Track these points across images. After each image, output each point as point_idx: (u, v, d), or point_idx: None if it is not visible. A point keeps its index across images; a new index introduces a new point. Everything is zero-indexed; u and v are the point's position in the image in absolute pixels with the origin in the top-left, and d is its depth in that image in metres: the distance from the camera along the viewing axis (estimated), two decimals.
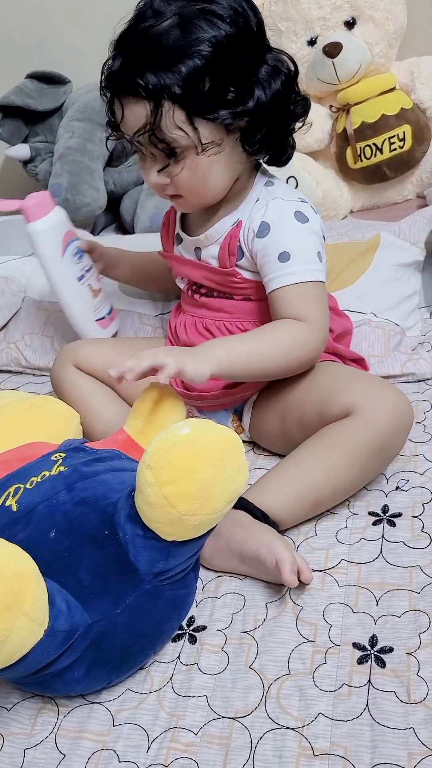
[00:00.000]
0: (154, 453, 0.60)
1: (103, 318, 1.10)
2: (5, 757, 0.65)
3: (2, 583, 0.53)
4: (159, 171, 0.83)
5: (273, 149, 0.87)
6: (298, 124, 0.86)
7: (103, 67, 0.81)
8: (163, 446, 0.60)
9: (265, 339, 0.84)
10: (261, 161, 0.91)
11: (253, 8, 0.80)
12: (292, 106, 0.84)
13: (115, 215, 1.62)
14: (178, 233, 0.97)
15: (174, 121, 0.77)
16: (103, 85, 0.81)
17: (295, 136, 0.89)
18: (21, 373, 1.23)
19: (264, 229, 0.85)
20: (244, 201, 0.89)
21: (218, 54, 0.75)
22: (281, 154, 0.89)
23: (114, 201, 1.57)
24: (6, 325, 1.25)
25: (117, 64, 0.79)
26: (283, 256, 0.84)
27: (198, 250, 0.94)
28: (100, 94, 0.82)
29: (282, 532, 0.80)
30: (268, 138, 0.83)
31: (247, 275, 0.90)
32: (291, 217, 0.85)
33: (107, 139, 0.90)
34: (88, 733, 0.66)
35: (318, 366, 0.90)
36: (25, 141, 1.62)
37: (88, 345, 1.03)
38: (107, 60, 0.80)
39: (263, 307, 0.90)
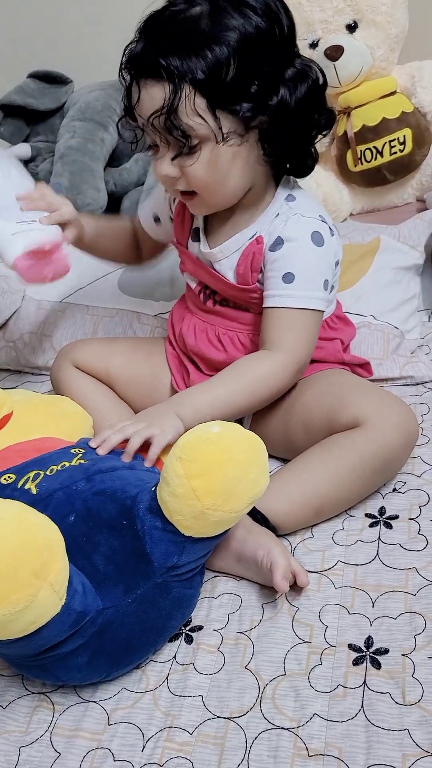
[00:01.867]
0: (185, 446, 0.62)
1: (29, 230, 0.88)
2: (0, 755, 0.65)
3: (33, 550, 0.55)
4: (172, 159, 0.80)
5: (293, 157, 0.85)
6: (320, 136, 0.84)
7: (125, 50, 0.78)
8: (193, 441, 0.62)
9: (232, 385, 0.84)
10: (281, 172, 0.88)
11: (286, 10, 0.79)
12: (317, 115, 0.82)
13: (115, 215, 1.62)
14: (197, 228, 0.93)
15: (194, 107, 0.75)
16: (123, 67, 0.79)
17: None
18: (19, 372, 1.23)
19: (278, 244, 0.84)
20: (263, 214, 0.87)
21: (246, 45, 0.74)
22: (301, 164, 0.87)
23: (114, 201, 1.57)
24: (5, 324, 1.25)
25: (139, 47, 0.76)
26: (288, 278, 0.84)
27: (210, 263, 0.92)
28: (119, 77, 0.80)
29: (280, 535, 0.80)
30: (288, 143, 0.81)
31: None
32: (307, 238, 0.83)
33: (118, 121, 0.87)
34: (83, 731, 0.66)
35: (327, 374, 0.91)
36: (26, 140, 1.62)
37: (87, 345, 1.03)
38: (130, 43, 0.78)
39: None
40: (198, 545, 0.66)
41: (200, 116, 0.75)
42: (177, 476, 0.62)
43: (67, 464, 0.72)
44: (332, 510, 0.82)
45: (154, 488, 0.66)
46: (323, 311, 0.87)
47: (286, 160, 0.86)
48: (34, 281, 0.87)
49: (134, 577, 0.65)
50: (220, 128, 0.76)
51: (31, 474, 0.71)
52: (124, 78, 0.79)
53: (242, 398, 0.84)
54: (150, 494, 0.66)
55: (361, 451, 0.79)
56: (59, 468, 0.72)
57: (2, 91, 1.56)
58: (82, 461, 0.73)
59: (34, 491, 0.70)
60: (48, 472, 0.71)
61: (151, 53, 0.75)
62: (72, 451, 0.76)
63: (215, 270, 0.91)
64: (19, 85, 1.57)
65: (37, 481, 0.71)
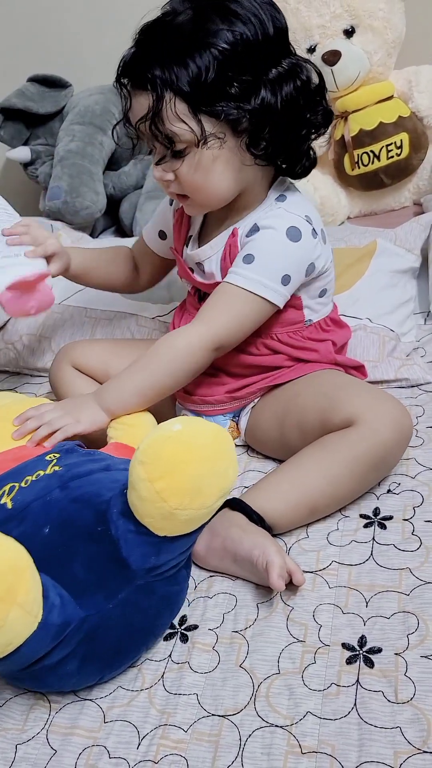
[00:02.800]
0: (146, 449, 0.61)
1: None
2: None
3: None
4: (157, 163, 0.83)
5: (284, 156, 0.85)
6: (314, 135, 0.85)
7: (121, 58, 0.82)
8: (154, 442, 0.61)
9: (151, 367, 0.86)
10: (281, 175, 0.89)
11: (274, 12, 0.80)
12: (310, 114, 0.82)
13: (114, 218, 1.63)
14: (191, 236, 0.96)
15: (176, 113, 0.77)
16: (118, 75, 0.82)
17: None
18: (18, 373, 1.24)
19: (253, 231, 0.86)
20: (251, 213, 0.88)
21: (226, 48, 0.76)
22: (295, 165, 0.87)
23: (113, 204, 1.59)
24: (4, 326, 1.26)
25: (129, 56, 0.80)
26: (248, 258, 0.84)
27: (200, 264, 0.93)
28: (114, 83, 0.83)
29: (275, 535, 0.81)
30: (276, 142, 0.82)
31: None
32: (282, 230, 0.84)
33: (114, 127, 0.90)
34: (79, 729, 0.67)
35: (321, 374, 0.91)
36: (25, 144, 1.64)
37: (86, 346, 1.04)
38: (126, 51, 0.81)
39: (270, 319, 0.90)
40: (175, 543, 0.65)
41: (183, 122, 0.78)
42: (140, 480, 0.61)
43: (42, 473, 0.72)
44: (327, 508, 0.82)
45: (125, 491, 0.65)
46: (273, 304, 0.86)
47: (279, 160, 0.86)
48: (18, 314, 0.91)
49: (115, 582, 0.65)
50: (202, 131, 0.78)
51: (7, 488, 0.71)
52: (117, 86, 0.82)
53: (164, 379, 0.86)
54: (122, 497, 0.66)
55: (355, 449, 0.80)
56: (34, 478, 0.72)
57: (2, 94, 1.57)
58: (57, 468, 0.73)
59: (9, 506, 0.69)
60: (23, 484, 0.71)
61: (136, 63, 0.78)
62: (47, 458, 0.75)
63: (205, 272, 0.92)
64: (19, 89, 1.58)
65: (12, 494, 0.70)
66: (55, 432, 0.80)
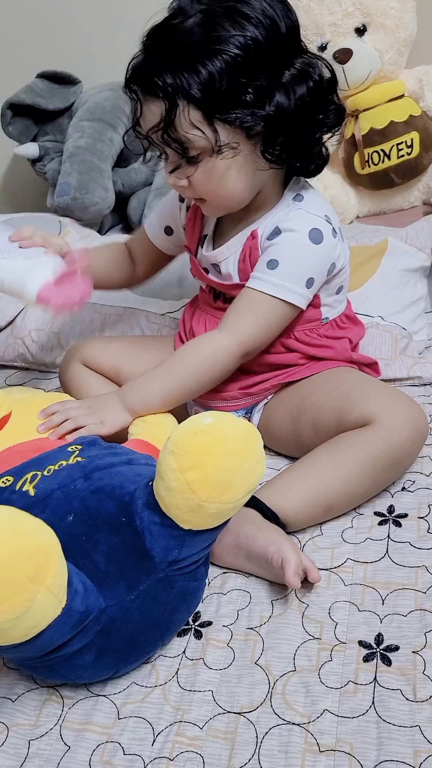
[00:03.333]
0: (178, 440, 0.61)
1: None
2: (10, 748, 0.65)
3: (27, 555, 0.54)
4: (171, 171, 0.82)
5: (298, 158, 0.84)
6: (327, 135, 0.83)
7: (129, 63, 0.80)
8: (186, 434, 0.61)
9: (177, 370, 0.86)
10: (291, 173, 0.88)
11: (286, 11, 0.78)
12: (323, 114, 0.81)
13: (122, 215, 1.63)
14: (207, 235, 0.94)
15: (189, 121, 0.76)
16: (127, 80, 0.80)
17: None
18: (27, 369, 1.24)
19: (275, 233, 0.85)
20: (268, 213, 0.87)
21: (238, 54, 0.74)
22: (309, 164, 0.86)
23: (122, 201, 1.58)
24: (13, 320, 1.25)
25: (138, 61, 0.78)
26: (272, 264, 0.84)
27: (216, 265, 0.92)
28: (123, 89, 0.81)
29: (289, 533, 0.80)
30: (291, 145, 0.80)
31: None
32: (305, 232, 0.83)
33: (124, 134, 0.88)
34: (93, 725, 0.66)
35: (336, 371, 0.91)
36: (34, 140, 1.63)
37: (96, 343, 1.03)
38: (133, 57, 0.79)
39: None
40: (198, 538, 0.65)
41: (197, 128, 0.76)
42: (170, 470, 0.61)
43: (65, 463, 0.72)
44: (342, 507, 0.82)
45: (150, 483, 0.66)
46: (297, 307, 0.86)
47: (292, 161, 0.85)
48: (63, 308, 0.86)
49: (136, 574, 0.65)
50: (217, 139, 0.77)
51: (29, 475, 0.71)
52: (126, 91, 0.80)
53: (189, 384, 0.86)
54: (147, 489, 0.66)
55: (371, 449, 0.79)
56: (57, 467, 0.72)
57: (11, 90, 1.56)
58: (80, 459, 0.73)
59: (32, 493, 0.69)
60: (46, 473, 0.71)
61: (147, 70, 0.76)
62: (69, 449, 0.75)
63: (221, 272, 0.91)
64: (28, 85, 1.57)
65: (35, 482, 0.70)
66: (79, 428, 0.80)
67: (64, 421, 0.81)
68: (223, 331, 0.86)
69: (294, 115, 0.78)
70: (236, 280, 0.90)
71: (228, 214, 0.89)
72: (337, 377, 0.89)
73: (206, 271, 0.94)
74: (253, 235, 0.87)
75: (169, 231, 1.01)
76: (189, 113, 0.76)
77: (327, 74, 0.81)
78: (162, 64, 0.75)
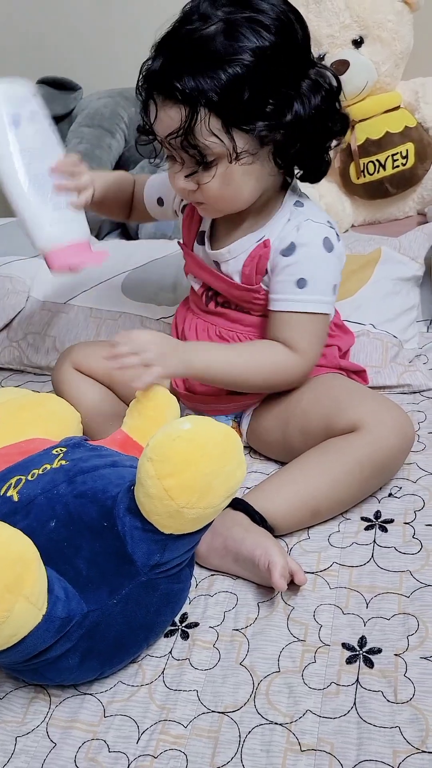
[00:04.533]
0: (156, 446, 0.61)
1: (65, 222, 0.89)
2: None
3: (4, 565, 0.55)
4: (186, 177, 0.82)
5: (307, 165, 0.86)
6: (334, 142, 0.85)
7: (141, 67, 0.80)
8: (164, 440, 0.61)
9: (248, 357, 0.87)
10: (291, 179, 0.90)
11: (300, 21, 0.79)
12: (331, 122, 0.82)
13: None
14: (203, 232, 0.95)
15: (209, 128, 0.76)
16: (140, 84, 0.80)
17: None
18: (22, 371, 1.25)
19: (291, 249, 0.85)
20: (272, 219, 0.88)
21: (260, 64, 0.74)
22: (315, 170, 0.88)
23: None
24: (9, 324, 1.27)
25: (157, 65, 0.77)
26: (301, 283, 0.85)
27: (217, 263, 0.93)
28: (136, 93, 0.81)
29: (276, 536, 0.81)
30: (302, 153, 0.82)
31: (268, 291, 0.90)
32: (319, 244, 0.85)
33: (136, 142, 0.88)
34: (79, 723, 0.67)
35: (325, 378, 0.92)
36: None
37: (89, 347, 1.04)
38: (146, 60, 0.79)
39: None
40: (180, 542, 0.65)
41: (216, 136, 0.76)
42: (149, 477, 0.61)
43: (49, 467, 0.72)
44: (329, 512, 0.83)
45: (133, 487, 0.66)
46: (331, 314, 0.89)
47: (302, 167, 0.87)
48: (62, 270, 0.88)
49: (118, 578, 0.65)
50: (235, 148, 0.77)
51: (13, 480, 0.71)
52: (140, 94, 0.81)
53: (254, 379, 0.88)
54: (129, 494, 0.66)
55: (358, 455, 0.81)
56: (41, 472, 0.72)
57: None
58: (63, 462, 0.73)
59: (15, 498, 0.69)
60: (29, 477, 0.71)
61: (167, 74, 0.76)
62: (53, 452, 0.75)
63: (221, 271, 0.92)
64: None
65: (19, 487, 0.70)
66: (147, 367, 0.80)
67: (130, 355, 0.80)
68: (296, 356, 0.87)
69: (309, 124, 0.79)
70: (237, 280, 0.91)
71: (227, 214, 0.90)
72: (326, 384, 0.90)
73: (199, 265, 0.95)
74: (265, 244, 0.88)
75: (160, 202, 1.03)
76: (209, 121, 0.76)
77: (335, 83, 0.82)
78: (183, 69, 0.75)
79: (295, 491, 0.81)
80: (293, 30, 0.78)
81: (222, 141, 0.77)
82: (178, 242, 1.01)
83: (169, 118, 0.77)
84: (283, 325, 0.87)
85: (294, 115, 0.78)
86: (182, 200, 0.98)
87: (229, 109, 0.75)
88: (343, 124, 0.84)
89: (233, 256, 0.90)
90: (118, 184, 1.03)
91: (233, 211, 0.88)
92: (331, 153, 0.89)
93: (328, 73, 0.81)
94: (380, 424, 0.81)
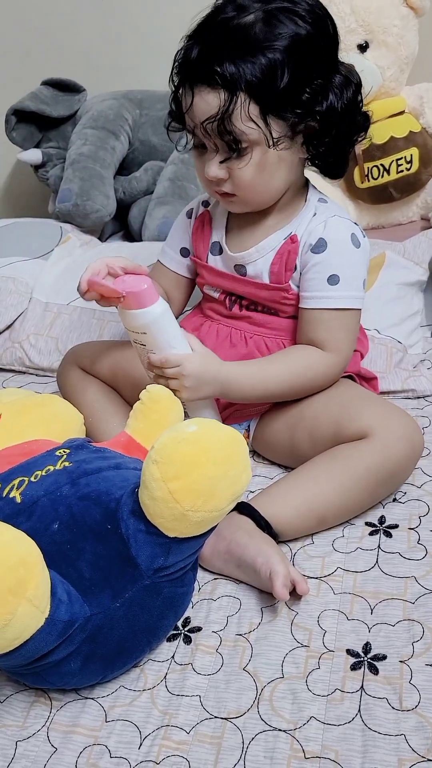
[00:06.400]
0: (161, 449, 0.61)
1: None
2: None
3: (7, 568, 0.54)
4: (221, 163, 0.82)
5: (334, 159, 0.87)
6: (360, 138, 0.86)
7: (175, 56, 0.80)
8: (169, 443, 0.61)
9: (286, 382, 0.87)
10: (326, 175, 0.91)
11: (329, 16, 0.81)
12: (359, 117, 0.84)
13: (123, 223, 1.64)
14: (217, 242, 0.94)
15: (248, 114, 0.77)
16: (175, 72, 0.80)
17: None
18: (24, 372, 1.24)
19: (321, 246, 0.86)
20: (298, 215, 0.89)
21: (299, 51, 0.76)
22: (340, 165, 0.89)
23: (123, 209, 1.59)
24: (11, 324, 1.26)
25: (194, 52, 0.78)
26: (333, 279, 0.85)
27: (241, 267, 0.92)
28: (169, 82, 0.82)
29: (281, 541, 0.81)
30: (332, 146, 0.83)
31: (297, 290, 0.90)
32: (347, 239, 0.86)
33: (167, 129, 0.88)
34: (80, 727, 0.66)
35: (334, 384, 0.91)
36: (37, 146, 1.64)
37: (94, 348, 1.04)
38: (180, 49, 0.80)
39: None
40: (184, 545, 0.65)
41: (253, 122, 0.77)
42: (154, 480, 0.60)
43: (52, 468, 0.72)
44: (336, 519, 0.82)
45: (136, 490, 0.65)
46: (361, 310, 0.89)
47: (326, 161, 0.87)
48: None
49: (121, 582, 0.65)
50: (271, 133, 0.78)
51: (16, 481, 0.71)
52: (173, 81, 0.81)
53: (291, 394, 0.88)
54: (133, 496, 0.65)
55: (367, 462, 0.80)
56: (44, 473, 0.71)
57: (16, 97, 1.57)
58: (67, 464, 0.72)
59: (18, 500, 0.69)
60: (33, 479, 0.71)
61: (206, 60, 0.77)
62: (57, 453, 0.75)
63: (247, 275, 0.91)
64: (33, 92, 1.59)
65: (22, 488, 0.70)
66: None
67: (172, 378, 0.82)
68: (330, 352, 0.87)
69: (342, 116, 0.80)
70: (265, 280, 0.90)
71: (243, 217, 0.90)
72: (336, 389, 0.90)
73: (220, 274, 0.93)
74: (293, 240, 0.88)
75: (185, 252, 1.00)
76: (249, 107, 0.76)
77: (360, 81, 0.83)
78: (223, 55, 0.75)
79: (303, 498, 0.81)
80: (326, 23, 0.80)
81: (259, 127, 0.78)
82: (191, 258, 0.99)
83: (206, 103, 0.78)
84: (317, 323, 0.87)
85: (329, 104, 0.79)
86: (195, 219, 0.97)
87: (267, 94, 0.76)
88: (366, 120, 0.86)
89: (261, 255, 0.90)
90: None
91: (262, 204, 0.88)
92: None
93: (355, 71, 0.83)
94: (389, 432, 0.81)
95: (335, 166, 0.89)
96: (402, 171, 1.43)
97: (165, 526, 0.62)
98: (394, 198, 1.47)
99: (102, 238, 1.60)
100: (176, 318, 0.86)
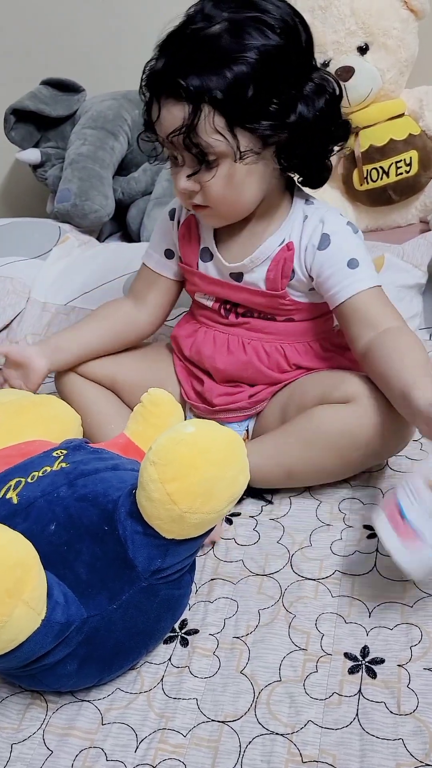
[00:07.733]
0: (159, 450, 0.60)
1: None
2: None
3: (4, 569, 0.54)
4: (189, 176, 0.81)
5: (309, 169, 0.86)
6: (336, 147, 0.85)
7: (144, 67, 0.79)
8: (167, 444, 0.60)
9: (411, 356, 0.80)
10: (296, 181, 0.89)
11: (304, 24, 0.79)
12: (334, 128, 0.83)
13: (121, 223, 1.64)
14: (207, 248, 0.92)
15: (213, 126, 0.76)
16: (144, 83, 0.80)
17: None
18: None
19: (326, 241, 0.85)
20: (286, 220, 0.88)
21: (265, 63, 0.74)
22: (317, 175, 0.88)
23: (121, 209, 1.59)
24: (9, 324, 1.26)
25: (160, 64, 0.77)
26: (353, 263, 0.84)
27: (239, 275, 0.90)
28: (140, 93, 0.81)
29: (255, 489, 0.86)
30: (305, 156, 0.82)
31: (296, 296, 0.89)
32: (347, 228, 0.86)
33: (138, 138, 0.87)
34: (76, 730, 0.66)
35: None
36: (36, 146, 1.64)
37: None
38: (150, 60, 0.79)
39: (305, 327, 0.91)
40: (182, 547, 0.64)
41: (219, 134, 0.76)
42: (151, 481, 0.60)
43: (49, 469, 0.71)
44: (305, 475, 0.85)
45: (134, 491, 0.64)
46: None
47: (302, 172, 0.87)
48: None
49: (118, 584, 0.64)
50: (238, 146, 0.77)
51: (13, 482, 0.70)
52: (143, 94, 0.80)
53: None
54: (130, 498, 0.65)
55: (340, 424, 0.81)
56: (41, 474, 0.71)
57: (15, 97, 1.57)
58: (64, 465, 0.72)
59: (15, 501, 0.68)
60: (29, 479, 0.70)
61: (170, 72, 0.75)
62: (54, 454, 0.74)
63: (242, 282, 0.90)
64: (32, 92, 1.58)
65: (18, 489, 0.69)
66: None
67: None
68: (401, 325, 0.84)
69: (313, 126, 0.79)
70: (261, 287, 0.89)
71: (231, 223, 0.88)
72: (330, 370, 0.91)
73: (212, 282, 0.92)
74: (289, 247, 0.87)
75: (169, 254, 0.98)
76: (213, 119, 0.75)
77: (337, 90, 0.82)
78: (187, 67, 0.74)
79: (273, 448, 0.85)
80: (297, 32, 0.78)
81: (225, 139, 0.76)
82: (180, 265, 0.97)
83: (172, 116, 0.77)
84: (364, 307, 0.84)
85: (298, 116, 0.78)
86: (178, 224, 0.95)
87: (233, 107, 0.75)
88: (344, 130, 0.84)
89: (257, 264, 0.89)
90: (109, 332, 0.99)
91: (236, 216, 0.86)
92: (333, 159, 0.89)
93: (331, 79, 0.81)
94: (372, 400, 0.81)
95: (312, 176, 0.88)
96: (401, 173, 1.43)
97: (162, 528, 0.62)
98: (393, 200, 1.47)
99: (100, 238, 1.60)
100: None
